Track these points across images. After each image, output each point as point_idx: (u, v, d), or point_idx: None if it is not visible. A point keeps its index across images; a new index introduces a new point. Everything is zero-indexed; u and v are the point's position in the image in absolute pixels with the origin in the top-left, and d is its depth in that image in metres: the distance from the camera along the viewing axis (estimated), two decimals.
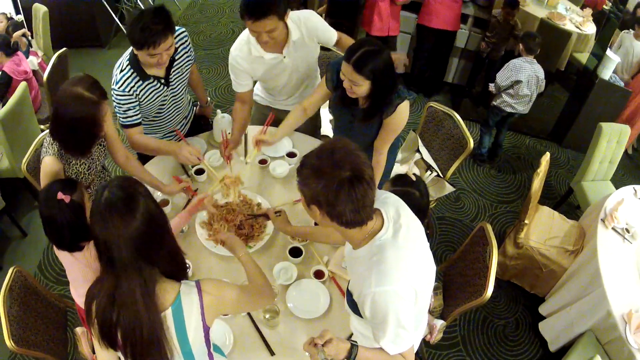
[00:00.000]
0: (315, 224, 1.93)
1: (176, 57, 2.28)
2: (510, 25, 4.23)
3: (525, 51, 3.58)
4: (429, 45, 4.49)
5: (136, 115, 2.24)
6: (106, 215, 1.22)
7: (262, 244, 2.12)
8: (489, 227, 2.19)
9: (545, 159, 2.89)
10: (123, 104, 2.18)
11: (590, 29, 4.44)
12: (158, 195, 2.29)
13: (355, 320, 1.67)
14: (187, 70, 2.39)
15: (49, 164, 1.90)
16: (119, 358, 1.35)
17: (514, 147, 4.46)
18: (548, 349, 2.70)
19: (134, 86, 2.16)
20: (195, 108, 2.76)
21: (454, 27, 4.35)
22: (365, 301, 1.35)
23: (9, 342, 1.75)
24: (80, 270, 1.81)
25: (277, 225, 2.07)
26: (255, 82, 2.55)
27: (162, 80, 2.26)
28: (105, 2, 4.96)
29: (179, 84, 2.38)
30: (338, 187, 1.23)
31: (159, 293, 1.29)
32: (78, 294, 1.99)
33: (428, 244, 1.53)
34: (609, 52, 3.95)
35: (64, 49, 3.49)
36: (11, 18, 4.18)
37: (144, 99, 2.24)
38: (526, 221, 2.85)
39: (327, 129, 3.16)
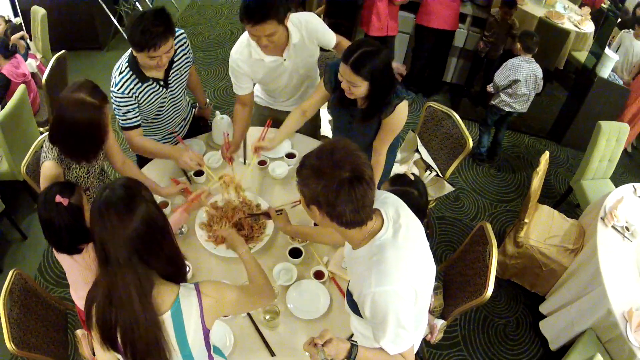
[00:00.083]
0: (315, 224, 1.93)
1: (175, 59, 2.28)
2: (508, 25, 4.24)
3: (523, 50, 3.58)
4: (428, 45, 4.49)
5: (135, 117, 2.24)
6: (104, 213, 1.22)
7: (262, 245, 2.12)
8: (489, 227, 2.19)
9: (545, 157, 2.89)
10: (122, 106, 2.18)
11: (589, 27, 4.45)
12: (157, 198, 2.29)
13: (356, 320, 1.67)
14: (186, 72, 2.39)
15: (49, 168, 1.90)
16: (118, 359, 1.35)
17: (513, 146, 4.46)
18: (549, 347, 2.69)
19: (133, 88, 2.16)
20: (194, 110, 2.76)
21: (453, 26, 4.35)
22: (365, 301, 1.35)
23: (9, 345, 1.75)
24: (80, 272, 1.81)
25: (278, 224, 2.06)
26: (255, 84, 2.55)
27: (161, 82, 2.26)
28: (103, 4, 4.96)
29: (178, 86, 2.38)
30: (338, 187, 1.23)
31: (157, 295, 1.29)
32: (78, 296, 1.99)
33: (428, 244, 1.53)
34: (607, 50, 3.95)
35: (63, 51, 3.49)
36: (9, 21, 4.17)
37: (143, 101, 2.24)
38: (526, 220, 2.85)
39: (326, 129, 3.16)
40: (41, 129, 3.36)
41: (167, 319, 1.29)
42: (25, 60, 3.68)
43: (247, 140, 2.54)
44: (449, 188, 2.84)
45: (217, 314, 1.40)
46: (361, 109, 2.09)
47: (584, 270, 2.61)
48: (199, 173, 2.44)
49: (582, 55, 4.44)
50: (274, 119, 2.59)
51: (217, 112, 2.61)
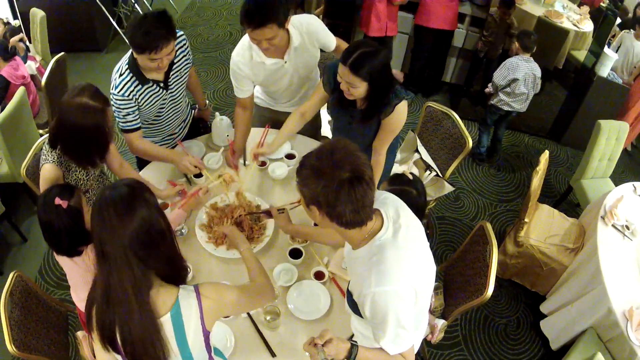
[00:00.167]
0: (315, 224, 1.93)
1: (175, 61, 2.28)
2: (507, 24, 4.24)
3: (521, 49, 3.58)
4: (427, 45, 4.50)
5: (135, 120, 2.24)
6: (104, 210, 1.22)
7: (262, 246, 2.12)
8: (489, 226, 2.20)
9: (545, 157, 2.89)
10: (122, 109, 2.18)
11: (588, 26, 4.45)
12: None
13: (356, 320, 1.67)
14: (185, 73, 2.39)
15: (49, 171, 1.90)
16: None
17: (513, 145, 4.46)
18: (550, 347, 2.69)
19: (133, 90, 2.16)
20: (193, 111, 2.76)
21: (452, 26, 4.35)
22: (365, 301, 1.35)
23: (10, 347, 1.75)
24: (80, 274, 1.81)
25: (279, 223, 2.06)
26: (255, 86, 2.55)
27: (162, 84, 2.26)
28: (102, 6, 4.96)
29: (177, 88, 2.38)
30: (338, 187, 1.23)
31: (157, 297, 1.29)
32: (79, 298, 1.99)
33: (428, 244, 1.53)
34: (606, 49, 3.95)
35: (62, 53, 3.49)
36: (8, 23, 4.18)
37: (143, 103, 2.23)
38: (526, 220, 2.85)
39: (326, 130, 3.16)
40: (41, 131, 3.36)
41: (167, 321, 1.29)
42: (25, 62, 3.68)
43: (247, 141, 2.54)
44: (448, 188, 2.84)
45: (217, 316, 1.39)
46: (360, 109, 2.10)
47: (585, 269, 2.61)
48: (199, 175, 2.44)
49: (581, 55, 4.45)
50: (274, 120, 2.59)
51: (217, 114, 2.61)
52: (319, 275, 2.04)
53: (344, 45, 2.43)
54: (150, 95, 2.24)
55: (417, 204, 1.84)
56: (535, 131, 4.61)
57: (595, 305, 2.41)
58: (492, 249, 2.11)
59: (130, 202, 1.24)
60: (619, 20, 4.16)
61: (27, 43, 4.12)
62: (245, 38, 2.26)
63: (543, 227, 2.97)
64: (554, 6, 4.58)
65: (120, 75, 2.15)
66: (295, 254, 2.09)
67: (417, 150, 2.98)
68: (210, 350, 1.42)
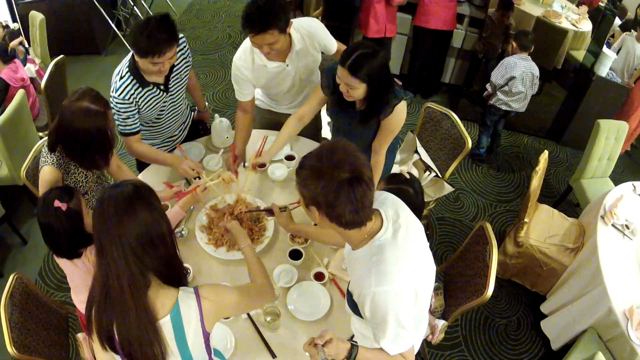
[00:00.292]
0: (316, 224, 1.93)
1: (175, 64, 2.28)
2: (505, 25, 4.25)
3: (519, 48, 3.59)
4: (426, 45, 4.50)
5: (135, 124, 2.24)
6: (105, 207, 1.23)
7: (262, 247, 2.12)
8: (489, 227, 2.20)
9: (544, 157, 2.89)
10: (123, 112, 2.18)
11: (586, 26, 4.46)
12: None
13: (356, 320, 1.67)
14: (185, 76, 2.39)
15: (48, 173, 1.91)
16: None
17: (513, 145, 4.47)
18: (550, 347, 2.69)
19: (133, 93, 2.16)
20: (193, 113, 2.76)
21: (450, 26, 4.35)
22: (365, 301, 1.35)
23: (10, 349, 1.75)
24: (80, 276, 1.81)
25: (280, 222, 2.05)
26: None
27: (162, 87, 2.26)
28: (102, 9, 4.97)
29: (177, 90, 2.38)
30: (337, 188, 1.23)
31: (156, 299, 1.29)
32: (79, 300, 1.99)
33: (428, 244, 1.53)
34: (605, 49, 3.95)
35: (62, 56, 3.49)
36: (7, 26, 4.19)
37: (144, 106, 2.24)
38: (526, 220, 2.85)
39: (326, 131, 3.16)
40: (40, 134, 3.37)
41: (166, 323, 1.29)
42: (24, 65, 3.68)
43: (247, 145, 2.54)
44: (448, 188, 2.84)
45: (217, 317, 1.39)
46: (360, 110, 2.10)
47: (585, 269, 2.61)
48: (199, 177, 2.44)
49: (580, 54, 4.46)
50: (276, 121, 2.59)
51: (216, 115, 2.61)
52: (319, 276, 2.04)
53: (344, 48, 2.44)
54: (151, 98, 2.24)
55: (415, 203, 1.84)
56: (535, 131, 4.62)
57: (596, 304, 2.41)
58: (492, 249, 2.11)
59: (132, 201, 1.24)
60: (619, 21, 4.17)
61: (27, 46, 4.13)
62: (247, 42, 2.26)
63: (543, 227, 2.97)
64: (553, 6, 4.59)
65: (121, 78, 2.15)
66: (295, 255, 2.09)
67: (416, 151, 2.98)
68: (210, 352, 1.42)
